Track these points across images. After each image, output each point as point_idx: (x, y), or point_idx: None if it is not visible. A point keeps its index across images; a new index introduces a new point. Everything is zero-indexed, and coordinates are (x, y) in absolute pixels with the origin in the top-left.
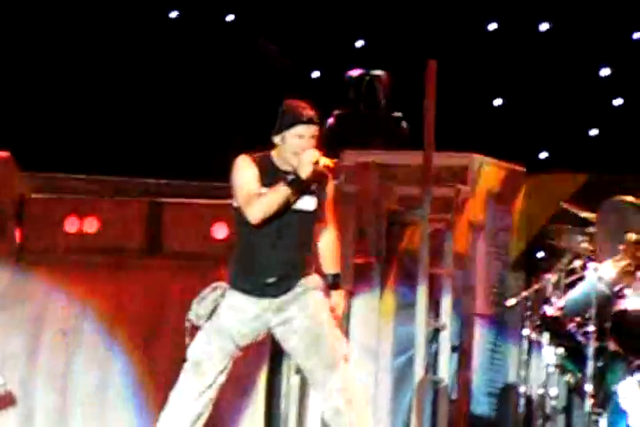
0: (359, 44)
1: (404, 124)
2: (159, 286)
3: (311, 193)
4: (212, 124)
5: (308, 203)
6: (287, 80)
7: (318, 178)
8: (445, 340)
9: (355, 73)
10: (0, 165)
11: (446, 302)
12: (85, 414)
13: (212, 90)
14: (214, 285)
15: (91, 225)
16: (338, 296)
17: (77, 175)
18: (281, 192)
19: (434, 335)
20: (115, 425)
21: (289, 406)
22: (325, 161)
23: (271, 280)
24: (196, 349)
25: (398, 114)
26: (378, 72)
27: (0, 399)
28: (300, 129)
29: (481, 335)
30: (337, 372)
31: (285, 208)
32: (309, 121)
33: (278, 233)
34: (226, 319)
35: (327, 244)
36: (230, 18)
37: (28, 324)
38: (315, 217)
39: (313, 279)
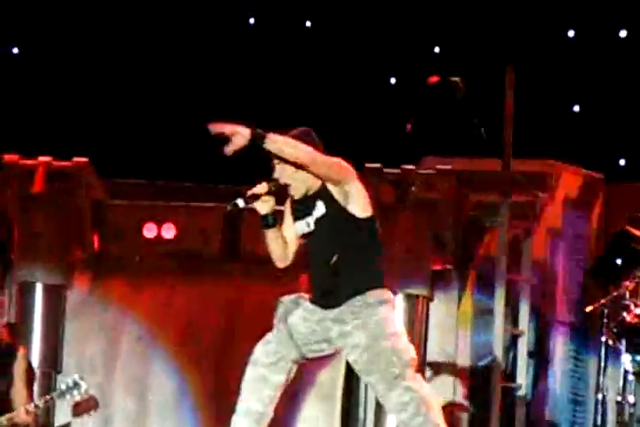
0: (437, 49)
1: (482, 130)
2: (236, 292)
3: (319, 199)
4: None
5: (318, 210)
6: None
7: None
8: (523, 346)
9: (433, 79)
10: (78, 171)
11: (524, 309)
12: (163, 419)
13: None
14: (299, 294)
15: (168, 231)
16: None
17: (155, 181)
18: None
19: (512, 342)
20: None
21: (367, 412)
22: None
23: (319, 291)
24: (257, 346)
25: (476, 120)
26: (455, 78)
27: (83, 404)
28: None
29: (563, 343)
30: (398, 386)
31: (311, 233)
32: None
33: (315, 248)
34: (293, 317)
35: None
36: (308, 24)
37: (107, 329)
38: (332, 219)
39: (374, 294)
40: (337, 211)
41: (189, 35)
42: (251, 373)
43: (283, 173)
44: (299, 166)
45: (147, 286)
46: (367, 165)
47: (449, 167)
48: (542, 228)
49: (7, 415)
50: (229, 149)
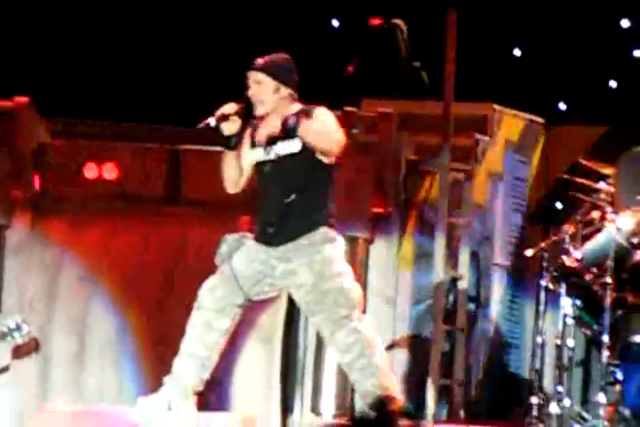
0: None
1: (423, 73)
2: (177, 235)
3: (289, 137)
4: (231, 73)
5: (290, 146)
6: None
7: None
8: (463, 289)
9: (375, 22)
10: (19, 110)
11: (464, 252)
12: (103, 359)
13: (233, 36)
14: (242, 233)
15: (110, 171)
16: None
17: (96, 121)
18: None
19: (452, 285)
20: (131, 372)
21: (306, 354)
22: (225, 110)
23: (269, 227)
24: (202, 291)
25: (417, 63)
26: (398, 21)
27: (24, 346)
28: (247, 75)
29: (500, 286)
30: (344, 327)
31: (270, 162)
32: (249, 67)
33: (270, 182)
34: (235, 260)
35: None
36: None
37: (47, 269)
38: (303, 160)
39: (320, 232)
40: (309, 153)
41: None
42: (196, 318)
43: (258, 89)
44: (278, 88)
45: (87, 227)
46: None
47: (390, 110)
48: (482, 171)
49: None
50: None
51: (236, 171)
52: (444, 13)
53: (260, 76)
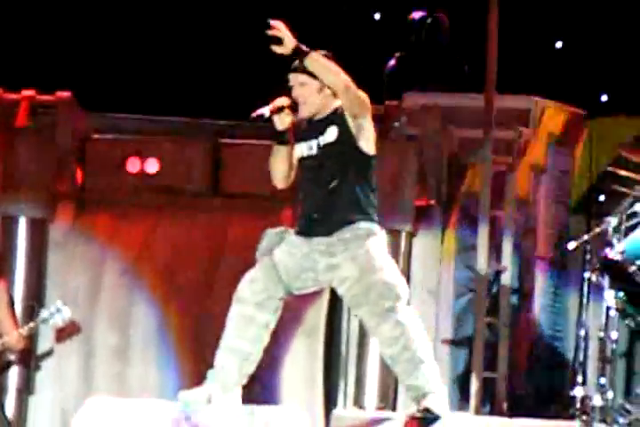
0: None
1: (465, 66)
2: (219, 228)
3: (332, 124)
4: (273, 65)
5: (329, 135)
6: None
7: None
8: (506, 282)
9: (416, 15)
10: (62, 105)
11: (507, 245)
12: (145, 354)
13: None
14: (284, 228)
15: (152, 166)
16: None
17: (139, 115)
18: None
19: (495, 278)
20: (173, 366)
21: (349, 347)
22: (278, 103)
23: (313, 216)
24: (242, 284)
25: (459, 56)
26: (439, 14)
27: (65, 329)
28: (289, 77)
29: (543, 279)
30: (389, 319)
31: (312, 158)
32: (291, 69)
33: (313, 174)
34: (277, 253)
35: None
36: None
37: (90, 263)
38: (343, 148)
39: (363, 227)
40: (347, 141)
41: None
42: (237, 311)
43: (302, 90)
44: (321, 88)
45: (130, 221)
46: None
47: (432, 103)
48: (525, 164)
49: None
50: (277, 50)
51: (287, 166)
52: (485, 6)
53: (304, 77)
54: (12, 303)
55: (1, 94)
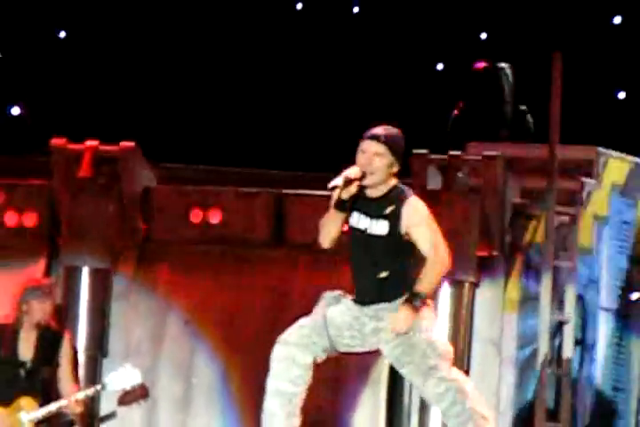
0: (483, 35)
1: (529, 116)
2: (282, 279)
3: (384, 217)
4: (336, 116)
5: (379, 227)
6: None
7: (351, 195)
8: (569, 333)
9: (480, 65)
10: (125, 155)
11: (570, 295)
12: (208, 403)
13: (334, 84)
14: (343, 292)
15: (215, 216)
16: (402, 312)
17: (202, 166)
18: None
19: (558, 328)
20: (234, 416)
21: (412, 398)
22: (351, 174)
23: (365, 298)
24: (290, 328)
25: (523, 107)
26: (503, 64)
27: (132, 392)
28: (362, 144)
29: (606, 330)
30: (433, 377)
31: (361, 232)
32: (371, 137)
33: (361, 251)
34: (331, 310)
35: (425, 266)
36: (356, 10)
37: (153, 314)
38: (391, 242)
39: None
40: (397, 235)
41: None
42: (279, 352)
43: (374, 160)
44: (392, 165)
45: (192, 272)
46: (415, 151)
47: (495, 153)
48: (588, 214)
49: (56, 404)
50: None
51: (338, 230)
52: (549, 57)
53: (382, 149)
54: (75, 357)
55: (65, 145)
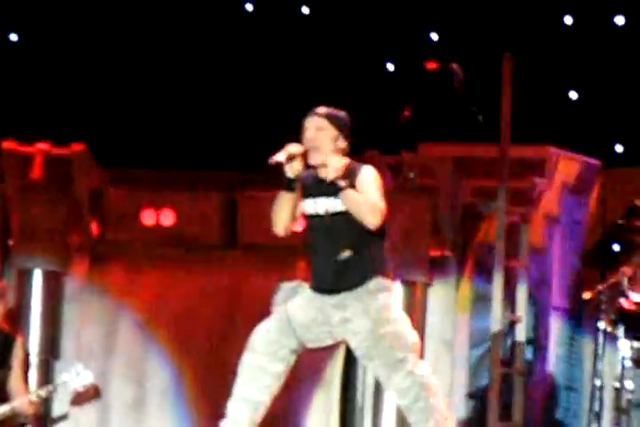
0: (435, 36)
1: (479, 116)
2: (235, 279)
3: (338, 191)
4: (288, 118)
5: (339, 203)
6: (362, 74)
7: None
8: (521, 332)
9: (431, 65)
10: (76, 157)
11: (522, 295)
12: (161, 405)
13: (285, 86)
14: (299, 281)
15: (167, 218)
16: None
17: (153, 168)
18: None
19: (510, 328)
20: (188, 418)
21: (365, 398)
22: (292, 150)
23: (324, 283)
24: (255, 333)
25: (474, 107)
26: (453, 64)
27: (84, 393)
28: (305, 122)
29: (558, 329)
30: (400, 371)
31: (320, 217)
32: (312, 113)
33: (321, 236)
34: (291, 306)
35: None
36: (305, 10)
37: (106, 316)
38: (352, 216)
39: (375, 281)
40: None
41: (188, 22)
42: (249, 360)
43: (317, 135)
44: (337, 138)
45: (145, 273)
46: (366, 151)
47: (446, 153)
48: (539, 213)
49: (8, 406)
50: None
51: (289, 215)
52: (499, 57)
53: (324, 123)
54: (26, 361)
55: (15, 147)
